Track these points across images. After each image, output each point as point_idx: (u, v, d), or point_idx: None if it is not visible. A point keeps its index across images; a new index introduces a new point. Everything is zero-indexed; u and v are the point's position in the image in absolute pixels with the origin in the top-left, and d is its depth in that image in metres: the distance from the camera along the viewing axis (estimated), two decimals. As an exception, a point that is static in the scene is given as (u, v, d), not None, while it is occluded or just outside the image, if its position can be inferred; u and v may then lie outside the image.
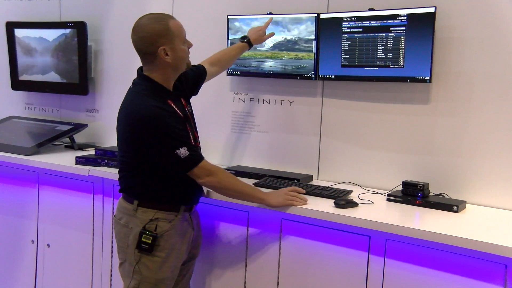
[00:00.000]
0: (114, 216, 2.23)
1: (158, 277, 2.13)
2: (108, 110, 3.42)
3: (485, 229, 1.99)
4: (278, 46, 2.74)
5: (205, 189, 2.31)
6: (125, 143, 2.13)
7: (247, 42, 2.64)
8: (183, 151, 2.01)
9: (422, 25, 2.31)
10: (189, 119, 2.22)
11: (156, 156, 2.06)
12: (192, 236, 2.26)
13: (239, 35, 2.78)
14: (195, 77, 2.43)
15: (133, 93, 2.13)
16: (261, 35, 2.68)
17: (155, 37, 2.04)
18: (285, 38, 2.71)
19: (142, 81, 2.14)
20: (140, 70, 2.17)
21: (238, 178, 2.26)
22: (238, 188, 2.18)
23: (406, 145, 2.49)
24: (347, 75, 2.56)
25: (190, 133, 2.14)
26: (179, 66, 2.15)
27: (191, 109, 2.32)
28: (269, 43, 2.76)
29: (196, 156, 2.07)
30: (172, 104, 2.11)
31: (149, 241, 2.08)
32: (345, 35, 2.52)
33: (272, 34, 2.72)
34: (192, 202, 2.25)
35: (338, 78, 2.59)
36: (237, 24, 2.83)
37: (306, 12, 2.63)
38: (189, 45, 2.17)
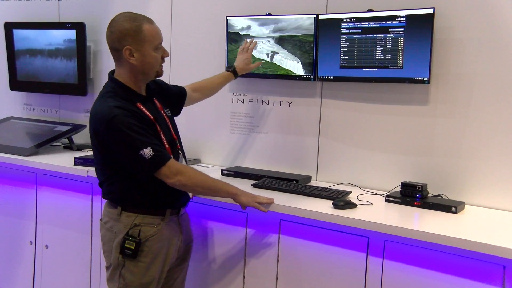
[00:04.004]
0: (100, 219, 2.19)
1: (144, 282, 2.09)
2: (107, 111, 3.41)
3: (484, 230, 1.98)
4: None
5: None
6: (94, 149, 2.10)
7: (232, 71, 2.62)
8: (147, 152, 1.94)
9: (421, 26, 2.31)
10: (164, 121, 2.16)
11: (121, 158, 2.01)
12: (180, 240, 2.21)
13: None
14: (177, 94, 2.41)
15: (98, 95, 2.10)
16: (247, 64, 2.64)
17: (122, 35, 2.01)
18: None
19: (109, 82, 2.11)
20: (111, 73, 2.13)
21: (206, 174, 2.17)
22: (209, 184, 2.11)
23: (405, 146, 2.49)
24: (346, 76, 2.55)
25: (161, 135, 2.08)
26: (146, 71, 2.07)
27: (170, 113, 2.26)
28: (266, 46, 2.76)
29: (161, 155, 1.98)
30: (142, 107, 2.06)
31: (133, 247, 2.04)
32: (344, 36, 2.52)
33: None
34: (179, 205, 2.19)
35: (337, 79, 2.59)
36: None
37: (305, 13, 2.63)
38: (164, 54, 2.10)
